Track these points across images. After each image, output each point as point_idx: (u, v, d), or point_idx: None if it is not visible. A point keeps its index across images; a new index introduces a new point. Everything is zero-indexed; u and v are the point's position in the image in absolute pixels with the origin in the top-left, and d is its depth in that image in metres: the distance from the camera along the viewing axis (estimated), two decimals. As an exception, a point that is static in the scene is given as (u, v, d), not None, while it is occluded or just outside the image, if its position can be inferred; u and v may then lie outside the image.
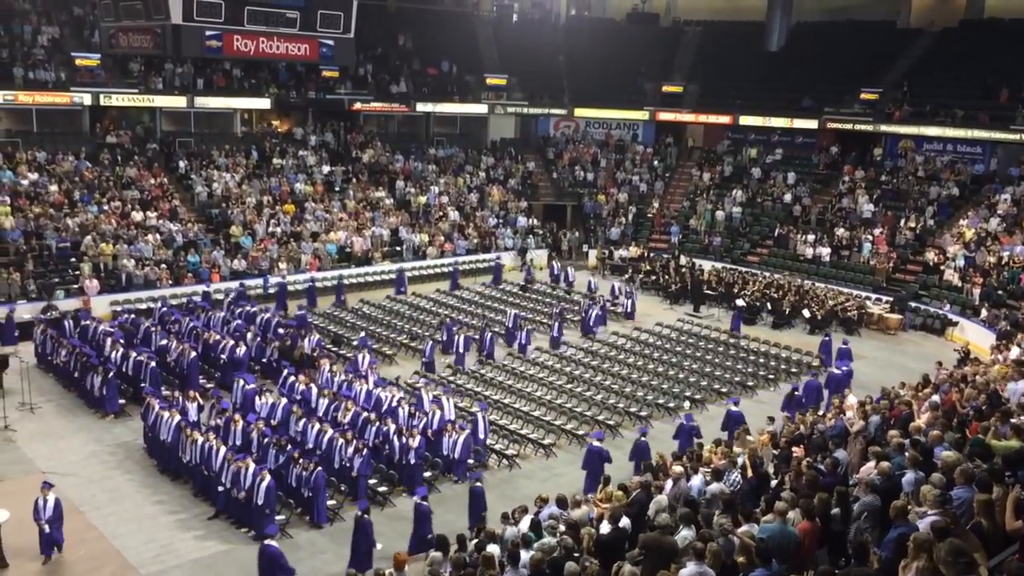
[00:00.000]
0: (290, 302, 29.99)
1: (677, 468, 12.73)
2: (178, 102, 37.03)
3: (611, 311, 30.39)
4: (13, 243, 28.74)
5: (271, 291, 30.52)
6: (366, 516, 14.34)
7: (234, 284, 30.08)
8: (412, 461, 17.15)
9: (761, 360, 25.51)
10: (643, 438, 17.73)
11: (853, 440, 14.16)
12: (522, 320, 27.49)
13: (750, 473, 12.66)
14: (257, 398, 19.50)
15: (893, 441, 11.67)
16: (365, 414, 18.38)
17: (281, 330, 24.88)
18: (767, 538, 8.93)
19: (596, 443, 17.05)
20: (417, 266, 34.78)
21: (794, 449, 13.10)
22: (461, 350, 24.39)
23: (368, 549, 14.15)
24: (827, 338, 26.37)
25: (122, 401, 20.93)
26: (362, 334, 25.74)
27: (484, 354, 24.98)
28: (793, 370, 24.87)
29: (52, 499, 14.63)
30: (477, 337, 25.77)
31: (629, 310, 30.40)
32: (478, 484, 15.96)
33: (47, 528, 14.47)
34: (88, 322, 24.58)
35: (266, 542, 13.82)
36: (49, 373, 23.27)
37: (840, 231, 36.00)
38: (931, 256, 32.99)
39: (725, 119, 43.79)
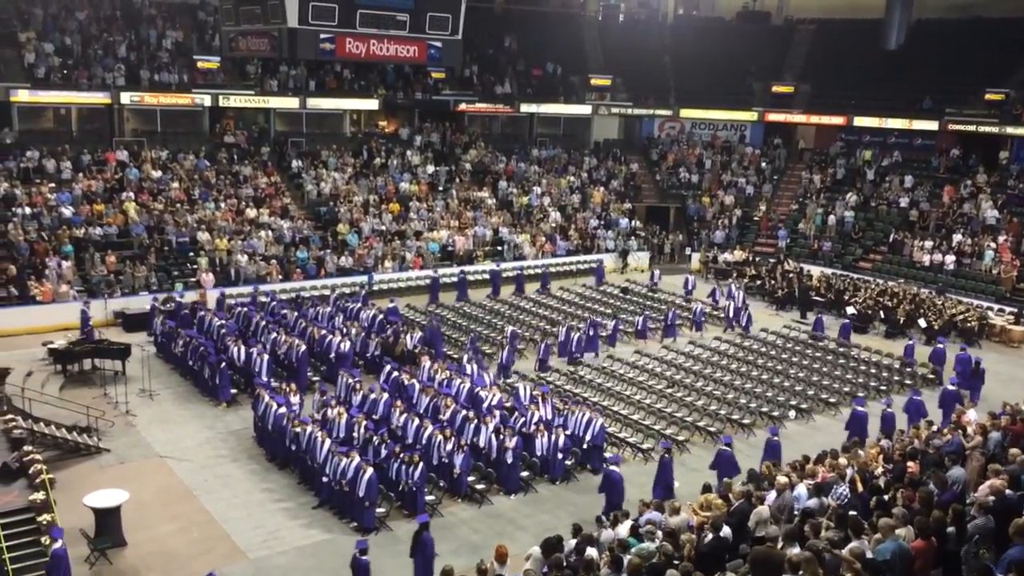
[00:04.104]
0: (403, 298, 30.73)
1: (782, 479, 12.38)
2: (291, 103, 38.30)
3: (712, 315, 29.88)
4: (137, 237, 30.25)
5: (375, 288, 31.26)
6: (426, 533, 13.86)
7: (342, 280, 31.15)
8: (509, 460, 17.22)
9: (872, 370, 24.56)
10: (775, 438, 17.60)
11: (971, 457, 13.49)
12: (518, 338, 25.85)
13: (860, 487, 12.21)
14: (353, 393, 19.97)
15: (1018, 459, 11.06)
16: (464, 412, 18.56)
17: (388, 327, 25.37)
18: (889, 558, 8.62)
19: (614, 467, 16.21)
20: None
21: (908, 464, 12.55)
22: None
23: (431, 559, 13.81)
24: (940, 346, 25.06)
25: (234, 391, 21.76)
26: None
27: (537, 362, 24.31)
28: (907, 382, 23.85)
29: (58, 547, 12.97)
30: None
31: (732, 316, 29.30)
32: (614, 468, 16.00)
33: None
34: (204, 313, 25.65)
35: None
36: (167, 362, 24.38)
37: (958, 237, 34.37)
38: (1061, 266, 31.20)
39: (838, 120, 42.39)
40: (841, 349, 26.41)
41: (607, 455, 17.96)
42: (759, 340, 26.97)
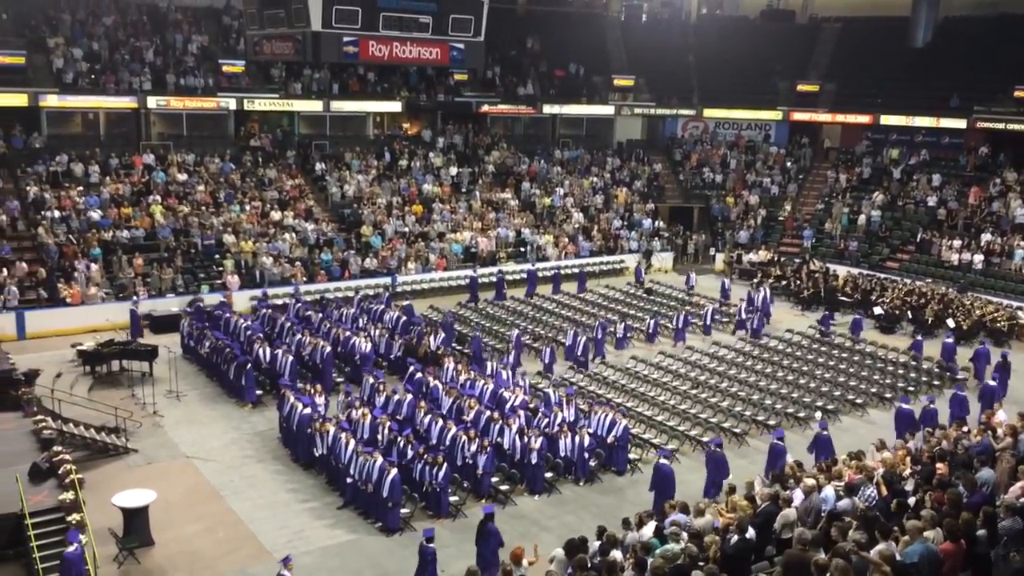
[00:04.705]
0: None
1: (809, 481, 12.27)
2: (315, 106, 38.55)
3: (721, 319, 29.40)
4: (164, 240, 30.55)
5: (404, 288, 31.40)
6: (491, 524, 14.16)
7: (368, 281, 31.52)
8: (534, 461, 17.20)
9: (900, 371, 24.28)
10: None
11: (1000, 458, 13.30)
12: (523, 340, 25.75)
13: (884, 491, 12.07)
14: (376, 394, 20.03)
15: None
16: (488, 413, 18.56)
17: (413, 327, 25.47)
18: (917, 561, 8.52)
19: (664, 461, 16.46)
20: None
21: (937, 466, 12.40)
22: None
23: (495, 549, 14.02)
24: (949, 340, 25.20)
25: (260, 392, 21.90)
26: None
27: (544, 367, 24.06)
28: (935, 382, 23.58)
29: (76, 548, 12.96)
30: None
31: (743, 317, 28.45)
32: (664, 463, 16.16)
33: None
34: (230, 315, 25.84)
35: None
36: (194, 363, 24.59)
37: (987, 236, 33.93)
38: (1092, 265, 30.69)
39: (864, 119, 42.02)
40: (850, 345, 26.48)
41: (630, 451, 17.94)
42: (784, 341, 26.76)
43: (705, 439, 19.32)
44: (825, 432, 17.80)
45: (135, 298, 27.35)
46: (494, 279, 32.39)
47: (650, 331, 27.35)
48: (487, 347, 25.40)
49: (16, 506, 14.36)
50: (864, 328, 28.01)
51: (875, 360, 25.07)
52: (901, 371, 24.24)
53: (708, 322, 28.45)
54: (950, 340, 25.21)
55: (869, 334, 28.08)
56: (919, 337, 26.37)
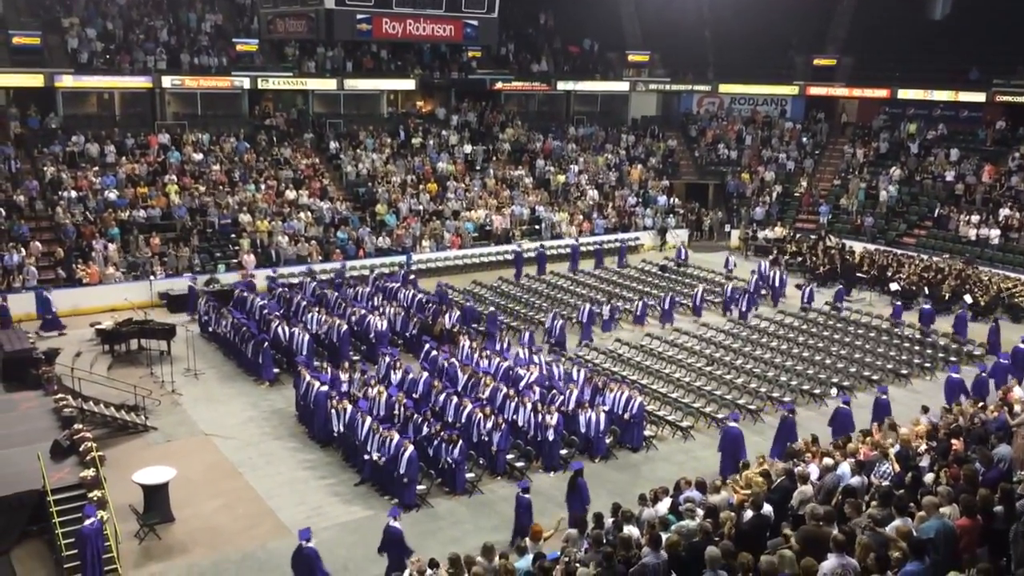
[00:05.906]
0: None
1: (828, 460, 12.27)
2: (329, 84, 38.48)
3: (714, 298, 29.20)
4: (180, 219, 30.69)
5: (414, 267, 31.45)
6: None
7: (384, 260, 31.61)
8: (550, 438, 17.27)
9: (916, 347, 24.18)
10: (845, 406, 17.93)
11: (1017, 434, 13.25)
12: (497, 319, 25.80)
13: (896, 467, 12.05)
14: (392, 372, 20.14)
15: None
16: (504, 390, 18.63)
17: (430, 305, 25.55)
18: (933, 536, 8.53)
19: (732, 424, 16.93)
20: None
21: (953, 442, 12.37)
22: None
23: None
24: (927, 307, 26.10)
25: (276, 370, 22.05)
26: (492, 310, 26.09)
27: (553, 341, 24.08)
28: (952, 358, 23.46)
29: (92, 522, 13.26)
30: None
31: (729, 296, 28.14)
32: (733, 425, 16.65)
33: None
34: (246, 295, 25.98)
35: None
36: (211, 342, 24.76)
37: (1005, 211, 33.60)
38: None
39: (882, 93, 41.57)
40: (833, 312, 27.02)
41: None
42: (800, 317, 26.67)
43: (720, 415, 19.37)
44: (884, 396, 18.33)
45: (191, 275, 27.76)
46: (534, 254, 32.81)
47: (638, 313, 26.96)
48: (483, 316, 25.71)
49: (39, 483, 14.57)
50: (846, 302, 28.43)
51: (890, 336, 24.95)
52: (918, 347, 24.13)
53: (698, 303, 27.86)
54: (928, 307, 26.17)
55: (884, 310, 27.90)
56: (898, 303, 26.94)
